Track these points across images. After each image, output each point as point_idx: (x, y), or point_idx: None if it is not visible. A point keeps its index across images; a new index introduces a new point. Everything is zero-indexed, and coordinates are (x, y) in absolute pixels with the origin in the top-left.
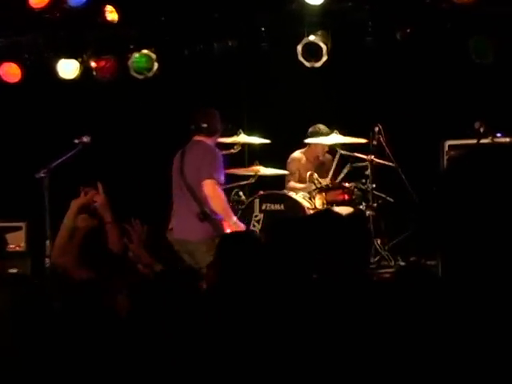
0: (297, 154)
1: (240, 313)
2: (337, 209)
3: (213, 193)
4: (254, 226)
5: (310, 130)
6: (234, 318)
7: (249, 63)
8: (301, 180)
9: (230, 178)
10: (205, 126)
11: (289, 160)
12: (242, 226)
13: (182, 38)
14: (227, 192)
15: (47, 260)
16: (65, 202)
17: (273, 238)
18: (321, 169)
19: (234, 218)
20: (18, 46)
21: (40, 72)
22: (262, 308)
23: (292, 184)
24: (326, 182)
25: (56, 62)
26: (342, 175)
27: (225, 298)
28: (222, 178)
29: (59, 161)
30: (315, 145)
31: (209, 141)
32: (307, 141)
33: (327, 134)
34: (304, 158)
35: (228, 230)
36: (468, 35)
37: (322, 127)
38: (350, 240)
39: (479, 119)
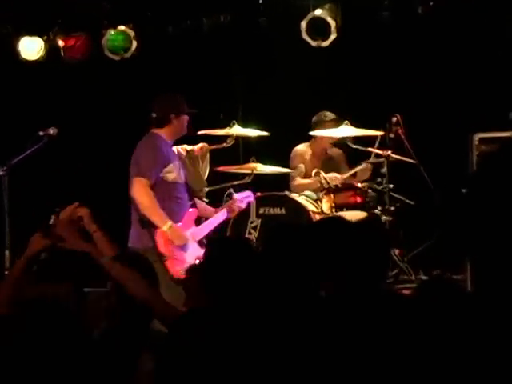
0: (301, 147)
1: (229, 340)
2: (347, 213)
3: (136, 193)
4: (249, 233)
5: (315, 118)
6: (222, 346)
7: (244, 42)
8: (307, 176)
9: (222, 177)
10: (153, 115)
11: (292, 154)
12: (180, 234)
13: (165, 13)
14: (218, 193)
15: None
16: (27, 204)
17: (271, 247)
18: (329, 164)
19: (169, 223)
20: None
21: None
22: (258, 334)
23: (298, 181)
24: (337, 179)
25: (17, 40)
26: (357, 170)
27: (212, 321)
28: (164, 176)
29: (21, 156)
30: (324, 137)
31: (162, 133)
32: (313, 133)
33: (336, 123)
34: (309, 152)
35: (161, 240)
36: (504, 9)
37: (328, 114)
38: (363, 250)
39: None
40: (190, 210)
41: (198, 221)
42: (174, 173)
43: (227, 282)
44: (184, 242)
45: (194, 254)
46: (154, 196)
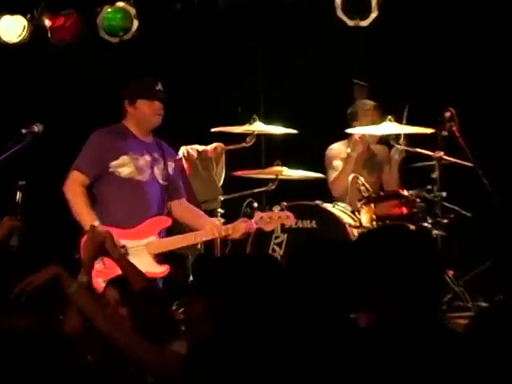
0: (336, 145)
1: (250, 373)
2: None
3: (66, 188)
4: (273, 250)
5: (351, 109)
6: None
7: (266, 21)
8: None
9: (242, 183)
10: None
11: (327, 152)
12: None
13: None
14: (236, 203)
15: None
16: (6, 211)
17: (300, 267)
18: (372, 165)
19: (96, 223)
20: None
21: None
22: (282, 369)
23: (335, 174)
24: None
25: None
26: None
27: (228, 352)
28: (115, 171)
29: (1, 157)
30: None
31: (127, 123)
32: (350, 131)
33: (378, 113)
34: (345, 151)
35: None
36: None
37: (368, 103)
38: (410, 272)
39: None
40: (160, 216)
41: (171, 232)
42: (128, 167)
43: (246, 308)
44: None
45: (141, 268)
46: (83, 193)
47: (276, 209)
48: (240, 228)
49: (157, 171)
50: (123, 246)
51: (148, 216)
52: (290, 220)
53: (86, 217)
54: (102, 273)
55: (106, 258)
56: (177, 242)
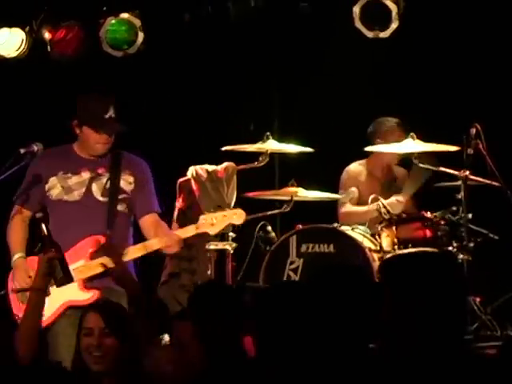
0: (354, 166)
1: None
2: (414, 251)
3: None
4: (288, 277)
5: (372, 128)
6: None
7: (281, 33)
8: (361, 204)
9: (254, 205)
10: None
11: (343, 176)
12: (20, 274)
13: None
14: (249, 225)
15: None
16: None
17: (318, 295)
18: (390, 187)
19: (16, 256)
20: None
21: None
22: None
23: (347, 208)
24: (401, 204)
25: None
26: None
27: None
28: (49, 194)
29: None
30: (385, 154)
31: (75, 143)
32: (370, 149)
33: (401, 130)
34: (365, 173)
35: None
36: None
37: (391, 121)
38: (434, 299)
39: None
40: (91, 237)
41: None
42: (56, 189)
43: (268, 337)
44: (19, 286)
45: (62, 296)
46: (14, 222)
47: (215, 209)
48: (162, 241)
49: (94, 188)
50: None
51: (80, 237)
52: (239, 217)
53: (11, 247)
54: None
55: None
56: (128, 254)
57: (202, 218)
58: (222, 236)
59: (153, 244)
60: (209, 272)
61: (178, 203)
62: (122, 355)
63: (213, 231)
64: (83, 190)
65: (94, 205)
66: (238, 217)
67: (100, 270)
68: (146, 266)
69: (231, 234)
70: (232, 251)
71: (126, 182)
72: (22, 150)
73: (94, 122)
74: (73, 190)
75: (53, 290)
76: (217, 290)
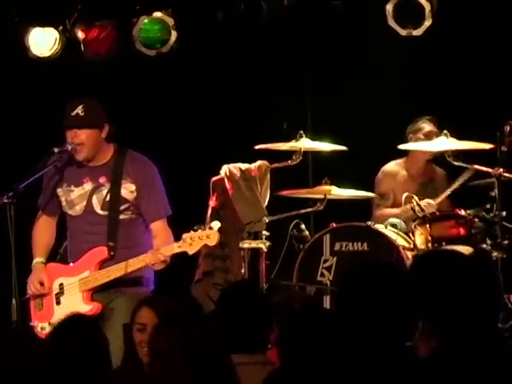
0: (390, 166)
1: None
2: (448, 249)
3: None
4: (321, 275)
5: (410, 127)
6: None
7: (313, 31)
8: (397, 205)
9: (288, 204)
10: None
11: (379, 175)
12: (33, 280)
13: None
14: (282, 224)
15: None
16: None
17: (352, 293)
18: (427, 189)
19: (34, 261)
20: None
21: (3, 47)
22: None
23: (382, 211)
24: (432, 207)
25: (26, 32)
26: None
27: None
28: (42, 205)
29: (30, 180)
30: (419, 152)
31: None
32: (403, 147)
33: (434, 125)
34: (402, 172)
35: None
36: None
37: (427, 122)
38: (467, 297)
39: None
40: (96, 248)
41: None
42: (63, 201)
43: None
44: (33, 292)
45: (68, 308)
46: (37, 226)
47: (200, 229)
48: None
49: (95, 201)
50: (61, 284)
51: (85, 250)
52: (212, 239)
53: (33, 254)
54: (38, 315)
55: (45, 299)
56: (110, 273)
57: (183, 236)
58: (255, 235)
59: (134, 263)
60: (242, 271)
61: (212, 202)
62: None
63: (190, 251)
64: (84, 203)
65: (94, 218)
66: (211, 238)
67: (103, 280)
68: (180, 264)
69: (265, 233)
70: (266, 250)
71: (128, 191)
72: (56, 149)
73: (64, 121)
74: (75, 205)
75: (62, 299)
76: (246, 290)
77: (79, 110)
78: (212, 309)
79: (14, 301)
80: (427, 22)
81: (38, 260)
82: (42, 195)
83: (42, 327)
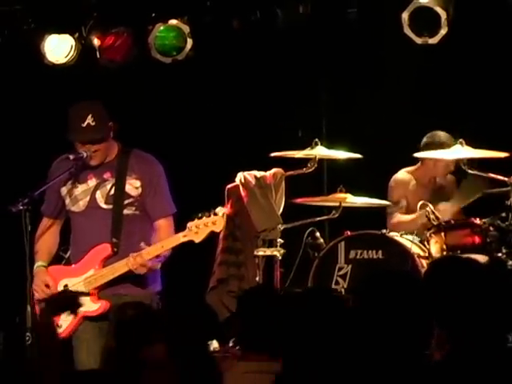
0: (402, 174)
1: None
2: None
3: None
4: (336, 283)
5: (425, 140)
6: None
7: (328, 39)
8: (410, 212)
9: (303, 211)
10: None
11: (391, 183)
12: (37, 283)
13: (228, 3)
14: (297, 232)
15: (29, 335)
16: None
17: (368, 301)
18: (439, 196)
19: (35, 264)
20: None
21: (19, 53)
22: None
23: (398, 218)
24: (446, 213)
25: (42, 38)
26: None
27: None
28: (45, 209)
29: (45, 187)
30: (431, 161)
31: None
32: (418, 155)
33: (449, 147)
34: (413, 181)
35: None
36: None
37: (442, 136)
38: (483, 305)
39: None
40: (99, 246)
41: None
42: (66, 199)
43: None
44: (40, 295)
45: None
46: (39, 231)
47: (204, 216)
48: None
49: (98, 195)
50: (65, 286)
51: (88, 248)
52: (218, 225)
53: (35, 259)
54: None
55: None
56: (115, 270)
57: (188, 225)
58: (270, 242)
59: (120, 267)
60: (257, 278)
61: (227, 209)
62: None
63: (197, 239)
64: (87, 198)
65: (98, 213)
66: (217, 224)
67: (109, 277)
68: (195, 271)
69: (280, 240)
70: (280, 257)
71: (133, 187)
72: (71, 156)
73: (72, 132)
74: (78, 200)
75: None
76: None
77: (89, 121)
78: (227, 315)
79: (28, 307)
80: (443, 31)
81: (39, 264)
82: (45, 201)
83: None
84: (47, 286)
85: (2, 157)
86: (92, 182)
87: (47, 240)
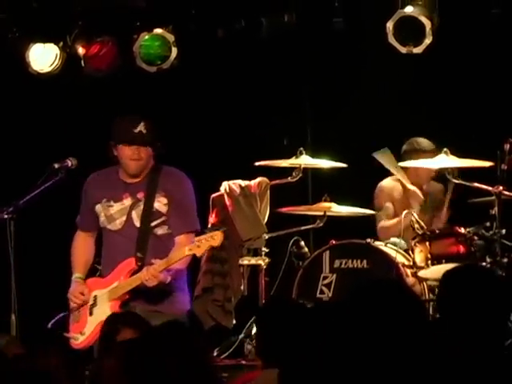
0: (388, 181)
1: None
2: (447, 266)
3: None
4: (321, 292)
5: (405, 147)
6: None
7: (313, 49)
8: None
9: (287, 220)
10: None
11: (376, 191)
12: (73, 292)
13: (213, 12)
14: (281, 241)
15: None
16: (39, 256)
17: (355, 312)
18: (425, 203)
19: (73, 276)
20: None
21: (3, 62)
22: None
23: (382, 223)
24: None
25: (26, 47)
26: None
27: None
28: (80, 222)
29: (31, 195)
30: (412, 168)
31: (118, 165)
32: (402, 164)
33: (432, 154)
34: (399, 188)
35: None
36: None
37: (423, 142)
38: (476, 312)
39: None
40: (125, 260)
41: None
42: (101, 217)
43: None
44: (75, 302)
45: (99, 317)
46: (75, 243)
47: (208, 230)
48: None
49: (134, 215)
50: (95, 296)
51: (118, 263)
52: (216, 239)
53: (72, 270)
54: (74, 327)
55: (82, 312)
56: (132, 281)
57: (195, 239)
58: (255, 251)
59: (136, 279)
60: (242, 287)
61: (211, 218)
62: None
63: (198, 253)
64: (124, 218)
65: (133, 232)
66: (215, 239)
67: (127, 288)
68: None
69: (264, 249)
70: (265, 266)
71: (161, 204)
72: (56, 165)
73: (124, 136)
74: (115, 219)
75: (95, 310)
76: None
77: (141, 128)
78: (212, 325)
79: (13, 317)
80: (428, 40)
81: (77, 275)
82: (80, 213)
83: (75, 337)
84: (82, 294)
85: None
86: (127, 202)
87: (83, 252)
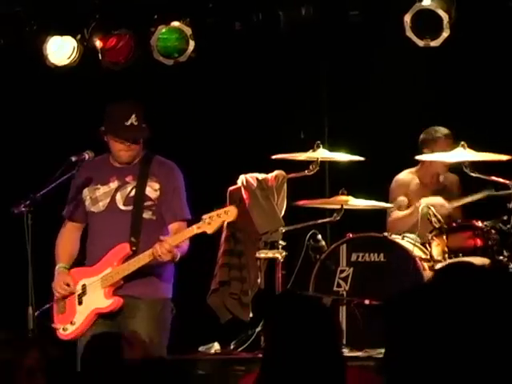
0: (404, 174)
1: None
2: (464, 260)
3: None
4: (338, 285)
5: (423, 136)
6: None
7: (330, 42)
8: None
9: (305, 214)
10: None
11: (393, 184)
12: (58, 283)
13: (230, 5)
14: (299, 234)
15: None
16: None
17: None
18: (441, 195)
19: (57, 266)
20: None
21: (21, 55)
22: None
23: (394, 214)
24: (444, 208)
25: (44, 40)
26: (474, 198)
27: None
28: (86, 206)
29: (48, 188)
30: (436, 163)
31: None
32: (419, 157)
33: (451, 141)
34: (415, 181)
35: None
36: None
37: (440, 131)
38: (485, 311)
39: None
40: (118, 245)
41: None
42: (87, 200)
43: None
44: (59, 293)
45: (91, 305)
46: (61, 234)
47: (216, 208)
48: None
49: (118, 197)
50: (83, 285)
51: (107, 248)
52: (230, 214)
53: (56, 261)
54: (60, 318)
55: (67, 302)
56: (130, 265)
57: (203, 217)
58: (272, 244)
59: (145, 256)
60: (259, 280)
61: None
62: None
63: (209, 230)
64: (108, 200)
65: (117, 214)
66: (229, 214)
67: (124, 273)
68: (197, 273)
69: (281, 243)
70: (282, 260)
71: (152, 189)
72: (74, 158)
73: (115, 130)
74: (98, 201)
75: (84, 299)
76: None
77: (133, 120)
78: (229, 318)
79: (30, 309)
80: (445, 33)
81: (61, 265)
82: (67, 204)
83: (65, 328)
84: (67, 285)
85: (4, 159)
86: (114, 184)
87: (68, 243)
